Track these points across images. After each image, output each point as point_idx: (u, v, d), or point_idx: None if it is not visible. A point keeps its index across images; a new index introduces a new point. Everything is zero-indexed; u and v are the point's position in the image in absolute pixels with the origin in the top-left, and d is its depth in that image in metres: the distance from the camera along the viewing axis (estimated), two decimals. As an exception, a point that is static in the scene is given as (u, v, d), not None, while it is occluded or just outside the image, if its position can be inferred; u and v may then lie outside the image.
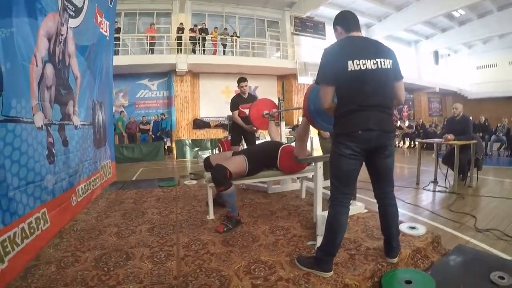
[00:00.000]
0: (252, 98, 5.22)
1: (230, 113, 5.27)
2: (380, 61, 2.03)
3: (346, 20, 2.24)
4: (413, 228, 2.88)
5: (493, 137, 10.45)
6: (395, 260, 2.31)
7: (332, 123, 2.58)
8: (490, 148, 10.25)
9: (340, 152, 2.06)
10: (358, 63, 1.99)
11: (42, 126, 2.74)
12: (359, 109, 2.00)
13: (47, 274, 2.18)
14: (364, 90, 2.00)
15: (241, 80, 5.14)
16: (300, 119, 13.04)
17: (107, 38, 4.97)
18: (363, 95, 2.00)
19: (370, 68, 2.00)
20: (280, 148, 3.50)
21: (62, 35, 3.19)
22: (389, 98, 2.12)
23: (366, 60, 2.00)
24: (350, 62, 1.99)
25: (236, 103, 5.09)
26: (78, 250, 2.61)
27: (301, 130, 3.23)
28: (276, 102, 4.56)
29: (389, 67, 2.06)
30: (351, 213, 3.35)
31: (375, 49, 2.10)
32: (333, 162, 2.16)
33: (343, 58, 2.02)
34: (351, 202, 3.42)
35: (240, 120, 5.01)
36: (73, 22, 3.55)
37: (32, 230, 2.48)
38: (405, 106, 20.90)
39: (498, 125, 10.81)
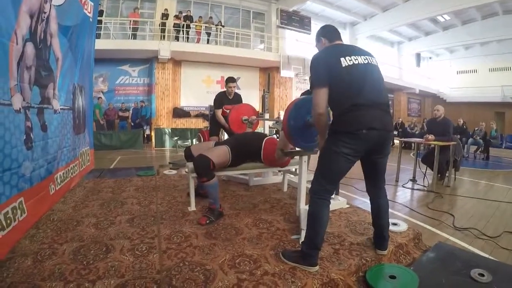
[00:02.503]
0: (237, 99, 5.08)
1: (211, 103, 5.16)
2: (369, 58, 2.13)
3: (329, 32, 2.33)
4: (395, 224, 2.93)
5: (470, 140, 10.79)
6: (385, 252, 2.38)
7: (310, 141, 2.72)
8: (467, 150, 10.57)
9: (338, 150, 2.04)
10: (350, 58, 2.04)
11: (20, 109, 2.58)
12: (361, 107, 2.00)
13: (23, 267, 2.07)
14: (361, 85, 2.02)
15: (230, 80, 4.96)
16: (281, 112, 13.10)
17: (91, 19, 4.78)
18: (361, 90, 2.01)
19: (362, 63, 2.07)
20: (264, 140, 3.46)
21: (45, 12, 3.02)
22: (386, 95, 2.16)
23: (357, 56, 2.08)
24: (342, 59, 2.03)
25: (220, 102, 4.96)
26: (55, 242, 2.49)
27: (281, 143, 3.20)
28: (258, 94, 4.53)
29: (376, 64, 2.17)
30: (333, 207, 3.42)
31: (360, 50, 2.20)
32: (325, 158, 2.14)
33: (335, 56, 2.06)
34: (333, 197, 3.48)
35: (223, 120, 4.86)
36: (57, 0, 3.38)
37: (8, 221, 2.33)
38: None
39: (476, 128, 11.15)
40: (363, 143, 2.02)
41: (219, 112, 4.94)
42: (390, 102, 21.11)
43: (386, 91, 2.19)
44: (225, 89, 5.04)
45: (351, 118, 2.00)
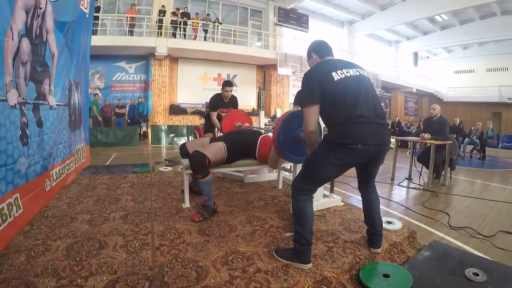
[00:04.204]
0: (233, 102, 4.99)
1: (208, 100, 5.12)
2: (359, 70, 2.15)
3: (320, 48, 2.33)
4: (389, 223, 2.94)
5: (466, 139, 10.80)
6: (379, 250, 2.38)
7: (300, 155, 2.78)
8: (463, 149, 10.56)
9: (329, 159, 2.05)
10: (341, 72, 2.06)
11: (15, 104, 2.57)
12: (357, 120, 1.99)
13: (17, 264, 2.05)
14: (355, 97, 2.02)
15: (226, 84, 4.85)
16: (278, 110, 13.11)
17: (87, 15, 4.76)
18: (356, 102, 2.01)
19: (354, 75, 2.08)
20: (259, 138, 3.45)
21: (40, 8, 3.00)
22: (380, 106, 2.16)
23: (348, 69, 2.09)
24: (334, 73, 2.05)
25: (215, 105, 4.90)
26: (49, 238, 2.48)
27: (272, 157, 3.22)
28: (256, 92, 4.53)
29: (368, 76, 2.19)
30: (328, 205, 3.42)
31: (350, 63, 2.22)
32: (314, 164, 2.14)
33: (327, 72, 2.07)
34: (328, 194, 3.49)
35: (218, 122, 4.79)
36: (53, -5, 3.36)
37: (4, 217, 2.33)
38: (382, 104, 21.23)
39: (472, 128, 11.19)
40: (356, 157, 2.03)
41: (214, 115, 4.90)
42: (387, 101, 21.31)
43: (380, 103, 2.19)
44: (220, 92, 4.96)
45: (346, 131, 1.99)
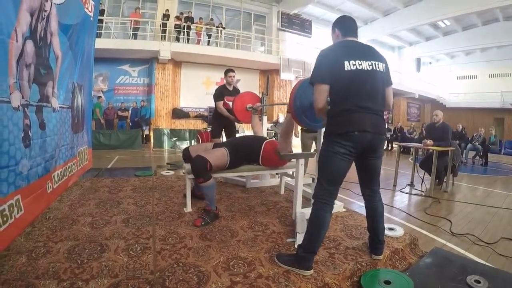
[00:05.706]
0: (236, 91, 5.17)
1: (211, 105, 5.20)
2: (374, 64, 2.11)
3: (345, 25, 2.30)
4: (391, 229, 2.93)
5: (469, 145, 10.76)
6: (381, 257, 2.37)
7: (316, 121, 2.73)
8: (466, 156, 10.52)
9: (334, 150, 2.07)
10: (354, 63, 2.04)
11: (18, 106, 2.58)
12: (355, 110, 2.02)
13: (18, 265, 2.06)
14: (360, 90, 2.03)
15: (229, 70, 5.08)
16: (280, 115, 13.11)
17: (91, 18, 4.78)
18: (359, 95, 2.03)
19: (365, 69, 2.06)
20: (264, 143, 3.46)
21: (45, 11, 3.02)
22: (382, 100, 2.16)
23: (362, 61, 2.07)
24: (346, 62, 2.03)
25: (221, 93, 5.03)
26: (50, 240, 2.49)
27: (285, 126, 3.21)
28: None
29: (382, 70, 2.14)
30: None
31: (369, 52, 2.17)
32: (323, 160, 2.16)
33: (340, 58, 2.06)
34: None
35: (226, 110, 4.94)
36: (58, -1, 3.38)
37: (5, 218, 2.33)
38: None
39: (475, 134, 11.15)
40: (356, 144, 2.04)
41: (220, 104, 5.00)
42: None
43: (384, 100, 2.18)
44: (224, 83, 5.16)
45: (344, 120, 2.04)
